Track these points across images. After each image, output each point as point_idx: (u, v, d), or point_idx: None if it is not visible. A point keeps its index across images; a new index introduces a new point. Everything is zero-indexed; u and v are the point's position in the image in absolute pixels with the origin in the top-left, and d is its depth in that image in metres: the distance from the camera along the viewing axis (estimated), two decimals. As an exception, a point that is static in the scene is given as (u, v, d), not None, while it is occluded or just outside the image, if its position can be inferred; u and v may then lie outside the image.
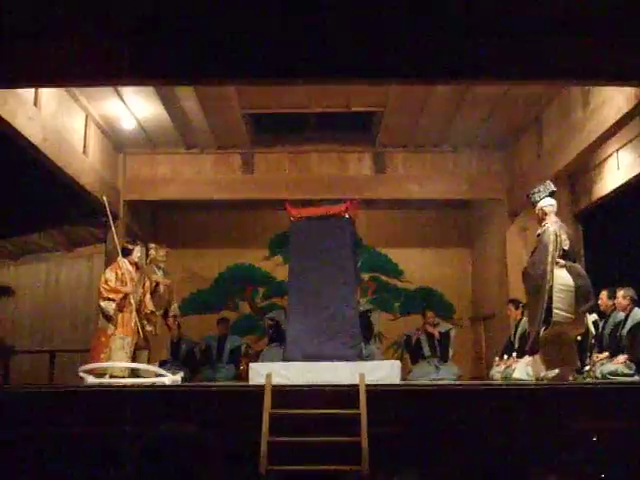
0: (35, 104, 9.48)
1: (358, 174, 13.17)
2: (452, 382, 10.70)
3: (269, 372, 7.83)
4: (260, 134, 12.96)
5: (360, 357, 9.46)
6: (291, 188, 12.78)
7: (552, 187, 8.84)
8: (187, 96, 10.81)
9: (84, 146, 11.30)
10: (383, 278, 15.08)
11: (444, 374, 11.39)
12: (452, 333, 12.08)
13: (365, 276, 14.60)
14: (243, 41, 7.37)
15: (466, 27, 7.51)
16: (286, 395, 7.41)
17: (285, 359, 9.62)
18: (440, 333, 11.98)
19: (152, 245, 11.05)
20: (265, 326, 12.71)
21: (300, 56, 7.55)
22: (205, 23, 7.40)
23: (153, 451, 1.63)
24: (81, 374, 9.26)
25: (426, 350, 11.86)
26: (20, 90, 8.81)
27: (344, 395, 7.41)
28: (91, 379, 9.19)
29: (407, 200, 13.75)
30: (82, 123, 11.26)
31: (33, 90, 9.34)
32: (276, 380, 7.78)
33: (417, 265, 15.01)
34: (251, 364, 9.56)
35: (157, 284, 10.48)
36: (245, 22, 7.42)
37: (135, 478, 1.63)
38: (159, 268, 10.68)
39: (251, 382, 8.97)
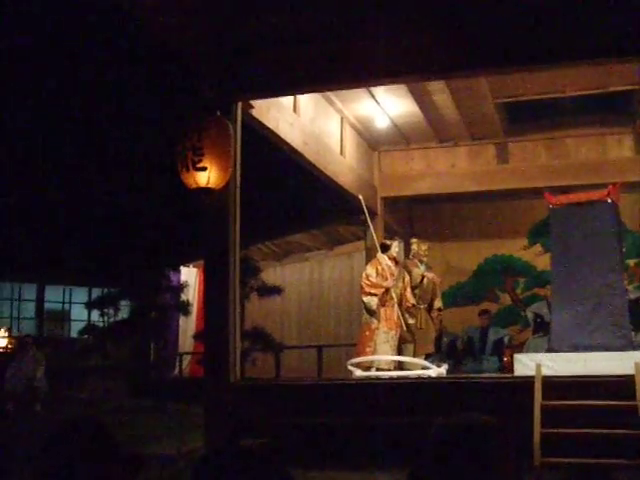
0: (294, 110, 9.91)
1: (619, 156, 12.61)
2: None
3: (538, 363, 7.69)
4: (513, 122, 12.74)
5: (631, 346, 9.07)
6: (548, 175, 12.47)
7: None
8: (438, 90, 10.84)
9: (341, 147, 11.66)
10: (650, 263, 14.33)
11: None
12: None
13: (631, 262, 13.94)
14: (493, 29, 7.30)
15: None
16: (556, 386, 7.25)
17: (550, 350, 9.42)
18: None
19: (414, 240, 11.19)
20: (528, 317, 12.48)
21: (551, 39, 7.35)
22: (452, 15, 7.41)
23: (446, 442, 1.65)
24: (349, 367, 9.56)
25: None
26: (280, 98, 9.25)
27: (618, 386, 7.14)
28: (359, 372, 9.46)
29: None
30: (338, 125, 11.63)
31: (292, 97, 9.77)
32: (542, 371, 7.64)
33: (690, 248, 14.11)
34: (516, 355, 9.45)
35: (422, 278, 10.61)
36: (491, 9, 7.34)
37: (417, 468, 1.66)
38: (421, 262, 10.80)
39: (516, 373, 8.86)
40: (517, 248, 14.58)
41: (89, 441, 2.14)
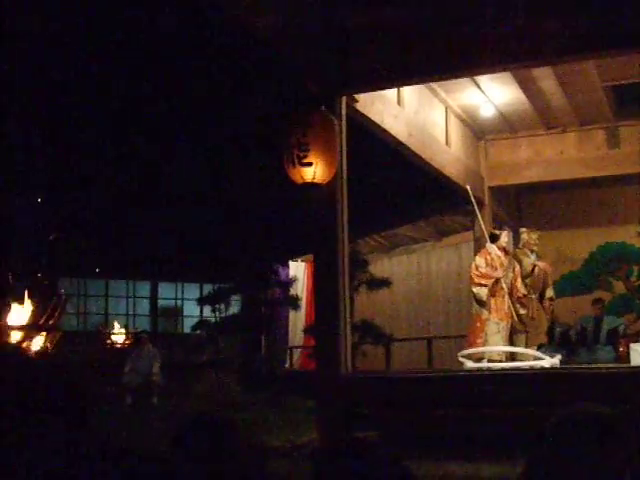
0: (398, 102, 9.88)
1: None
2: None
3: (655, 352, 7.51)
4: (624, 105, 12.37)
5: None
6: (663, 159, 12.09)
7: None
8: (545, 76, 10.63)
9: (446, 137, 11.57)
10: None
11: None
12: None
13: None
14: (606, 10, 7.13)
15: None
16: (675, 376, 7.07)
17: (668, 338, 9.19)
18: None
19: (524, 229, 11.06)
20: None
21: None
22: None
23: (567, 433, 1.63)
24: (460, 359, 9.52)
25: None
26: (384, 91, 9.24)
27: None
28: (470, 363, 9.42)
29: None
30: (442, 115, 11.53)
31: (396, 89, 9.74)
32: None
33: None
34: (632, 345, 9.24)
35: (533, 267, 10.47)
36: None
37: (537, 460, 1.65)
38: (532, 252, 10.66)
39: (633, 363, 8.67)
40: (630, 235, 14.17)
41: (218, 437, 2.21)
